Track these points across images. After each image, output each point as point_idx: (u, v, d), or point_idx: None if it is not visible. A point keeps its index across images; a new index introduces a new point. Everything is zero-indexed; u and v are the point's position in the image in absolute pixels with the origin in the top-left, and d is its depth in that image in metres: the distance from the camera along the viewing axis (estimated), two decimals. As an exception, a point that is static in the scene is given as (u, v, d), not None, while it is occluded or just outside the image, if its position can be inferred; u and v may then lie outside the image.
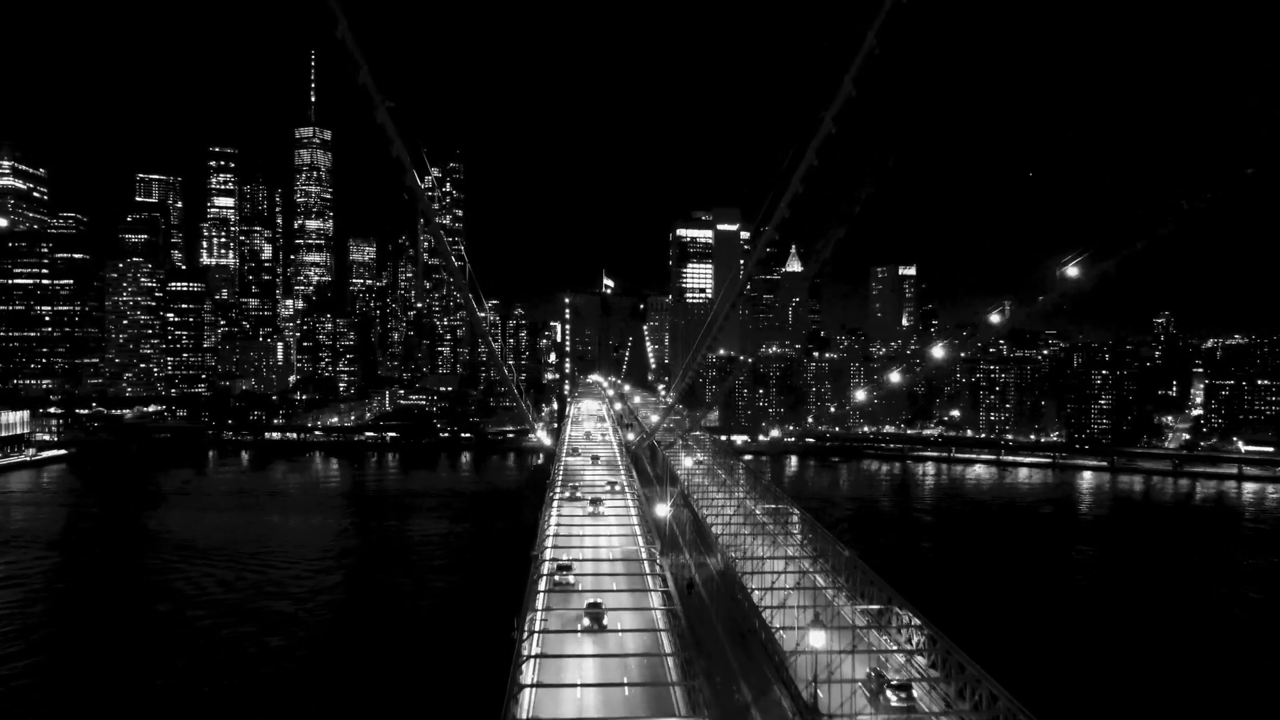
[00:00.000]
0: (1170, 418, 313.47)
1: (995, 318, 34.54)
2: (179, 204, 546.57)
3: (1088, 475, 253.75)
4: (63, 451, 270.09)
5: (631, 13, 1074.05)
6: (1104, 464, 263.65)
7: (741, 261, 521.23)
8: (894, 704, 32.46)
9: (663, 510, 62.50)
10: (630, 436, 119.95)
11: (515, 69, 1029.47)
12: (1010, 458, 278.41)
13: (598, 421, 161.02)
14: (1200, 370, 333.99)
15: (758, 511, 64.51)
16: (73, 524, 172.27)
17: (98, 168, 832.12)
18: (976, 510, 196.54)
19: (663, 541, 55.18)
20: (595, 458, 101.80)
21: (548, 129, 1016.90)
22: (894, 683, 33.12)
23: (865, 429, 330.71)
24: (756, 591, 40.76)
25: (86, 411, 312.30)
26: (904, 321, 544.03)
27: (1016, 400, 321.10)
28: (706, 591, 47.74)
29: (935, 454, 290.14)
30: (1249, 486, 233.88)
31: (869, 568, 41.49)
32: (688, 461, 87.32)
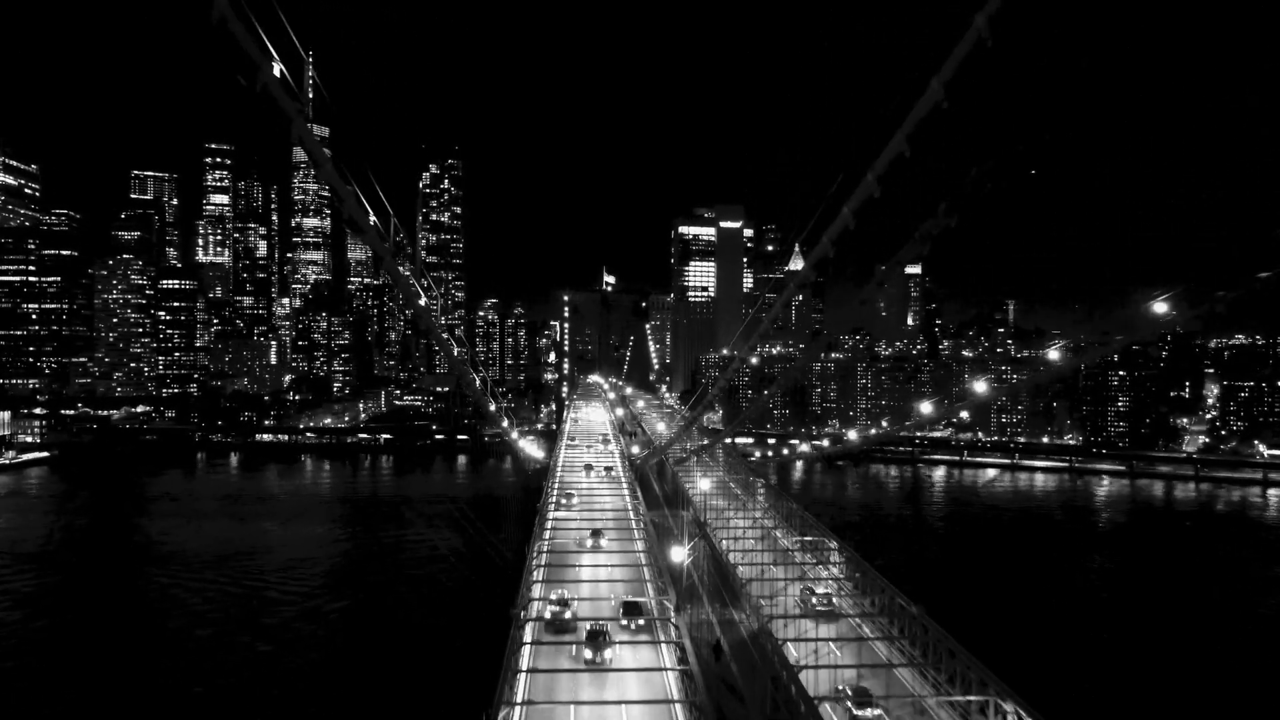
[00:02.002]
0: (1185, 420, 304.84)
1: (1161, 307, 25.58)
2: (174, 201, 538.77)
3: (1106, 480, 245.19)
4: (45, 454, 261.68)
5: (633, 6, 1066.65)
6: (1122, 468, 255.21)
7: (744, 268, 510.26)
8: None
9: (679, 553, 49.70)
10: (635, 449, 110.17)
11: (514, 62, 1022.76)
12: (1025, 461, 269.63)
13: (600, 443, 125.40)
14: (1211, 371, 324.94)
15: (790, 545, 55.63)
16: (50, 531, 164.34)
17: (92, 165, 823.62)
18: (997, 518, 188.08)
19: (679, 592, 44.36)
20: (596, 532, 62.36)
21: (547, 123, 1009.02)
22: None
23: (873, 431, 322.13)
24: (806, 671, 32.09)
25: (72, 412, 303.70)
26: (909, 321, 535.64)
27: (1029, 402, 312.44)
28: (738, 662, 38.52)
29: (947, 458, 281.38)
30: (1273, 492, 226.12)
31: (945, 632, 32.98)
32: (704, 482, 74.21)
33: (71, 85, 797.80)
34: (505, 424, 77.35)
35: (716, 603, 45.79)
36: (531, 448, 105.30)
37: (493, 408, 64.61)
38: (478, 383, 53.13)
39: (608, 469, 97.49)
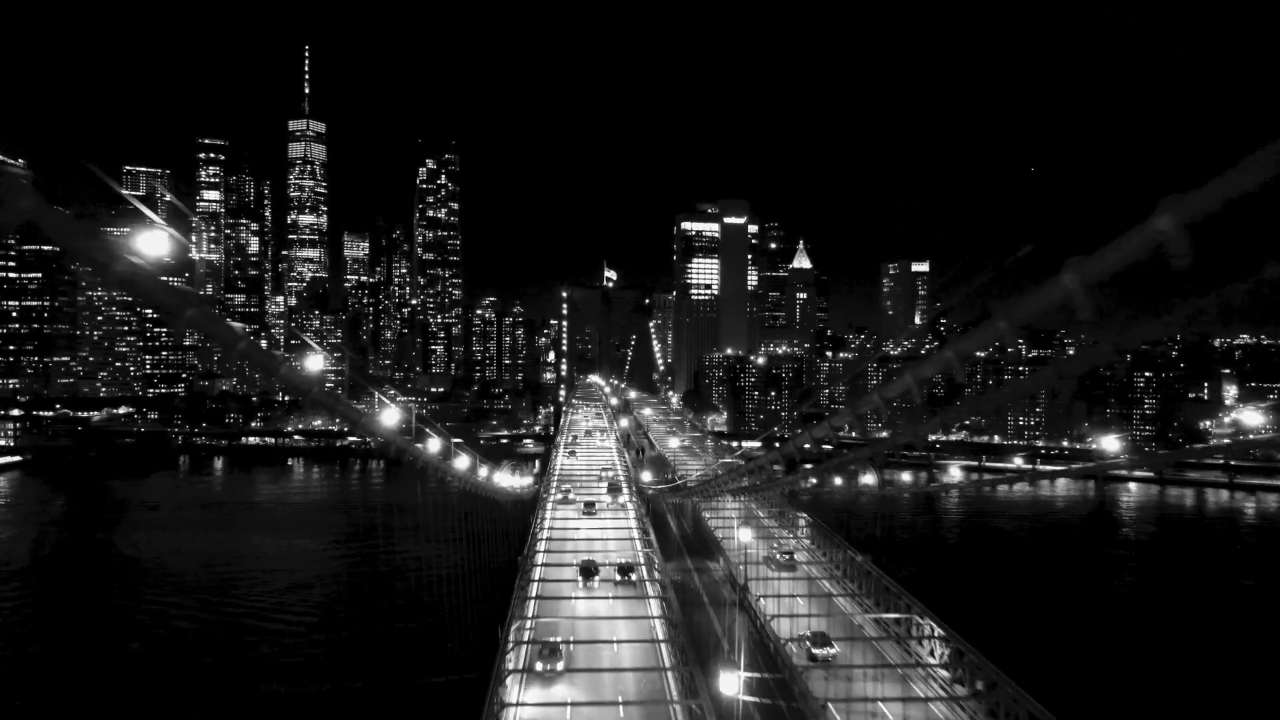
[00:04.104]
0: (1207, 423, 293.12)
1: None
2: (167, 197, 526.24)
3: (1134, 487, 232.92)
4: (17, 458, 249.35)
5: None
6: (1151, 474, 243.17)
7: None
8: None
9: (731, 685, 32.15)
10: (646, 476, 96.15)
11: (513, 55, 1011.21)
12: (1047, 467, 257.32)
13: (606, 495, 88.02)
14: (1227, 373, 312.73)
15: (868, 628, 43.27)
16: (12, 543, 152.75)
17: (83, 160, 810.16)
18: (1025, 530, 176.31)
19: None
20: None
21: (547, 116, 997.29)
22: None
23: (883, 435, 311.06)
24: None
25: (50, 414, 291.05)
26: (916, 320, 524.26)
27: (1047, 404, 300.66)
28: None
29: (963, 462, 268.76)
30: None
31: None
32: (743, 532, 53.35)
33: (62, 79, 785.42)
34: (465, 464, 44.92)
35: None
36: (510, 479, 77.49)
37: (434, 447, 37.84)
38: (388, 421, 26.81)
39: (623, 572, 55.59)
